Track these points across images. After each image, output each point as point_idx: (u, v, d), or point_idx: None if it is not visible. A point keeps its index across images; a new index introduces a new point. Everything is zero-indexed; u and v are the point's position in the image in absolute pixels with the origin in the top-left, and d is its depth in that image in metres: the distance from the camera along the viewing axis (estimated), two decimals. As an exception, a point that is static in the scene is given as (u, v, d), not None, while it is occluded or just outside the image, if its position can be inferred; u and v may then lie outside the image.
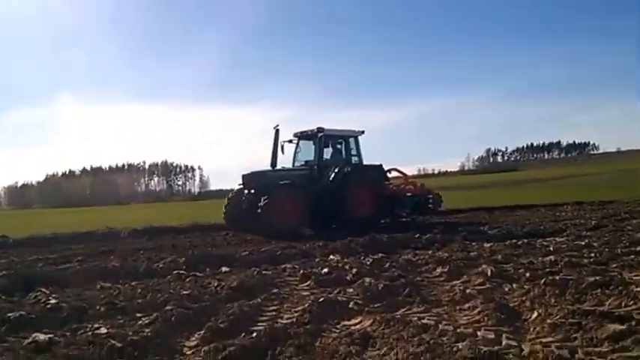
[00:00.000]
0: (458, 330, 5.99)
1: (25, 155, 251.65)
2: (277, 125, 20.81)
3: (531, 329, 6.04)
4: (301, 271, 10.22)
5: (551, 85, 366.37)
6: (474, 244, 13.85)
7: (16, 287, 9.66)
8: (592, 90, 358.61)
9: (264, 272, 10.34)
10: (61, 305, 7.96)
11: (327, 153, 22.01)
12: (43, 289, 9.38)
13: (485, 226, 19.26)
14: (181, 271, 10.83)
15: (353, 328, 6.64)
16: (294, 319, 6.98)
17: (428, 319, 6.56)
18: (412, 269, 10.28)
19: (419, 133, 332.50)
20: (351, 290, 8.47)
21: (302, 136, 22.25)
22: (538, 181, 76.71)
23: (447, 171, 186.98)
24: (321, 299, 7.59)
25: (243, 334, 6.36)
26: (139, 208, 64.80)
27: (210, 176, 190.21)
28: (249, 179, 20.54)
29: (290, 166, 22.31)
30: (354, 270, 9.98)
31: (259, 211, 18.39)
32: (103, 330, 6.62)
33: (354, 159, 21.96)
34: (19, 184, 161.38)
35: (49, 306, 7.95)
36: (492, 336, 5.68)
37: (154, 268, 11.43)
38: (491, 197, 38.32)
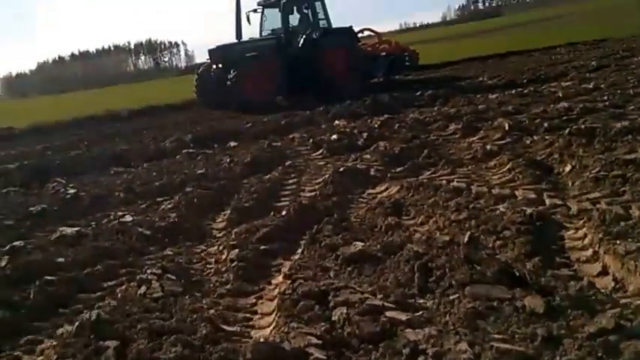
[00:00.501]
0: (493, 191, 5.59)
1: (16, 46, 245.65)
2: None
3: (570, 184, 5.61)
4: (311, 140, 9.80)
5: None
6: (478, 96, 13.19)
7: (31, 178, 9.31)
8: None
9: (273, 144, 9.87)
10: (81, 194, 7.60)
11: (294, 20, 20.11)
12: (59, 179, 8.97)
13: (484, 76, 18.31)
14: (190, 150, 10.38)
15: (380, 196, 6.28)
16: (317, 192, 6.60)
17: (457, 181, 6.17)
18: (422, 128, 9.78)
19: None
20: (367, 156, 8.07)
21: (266, 4, 20.35)
22: (522, 24, 73.71)
23: (428, 23, 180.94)
24: (341, 169, 7.17)
25: (271, 212, 5.99)
26: (131, 88, 63.43)
27: (195, 50, 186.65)
28: (216, 54, 19.02)
29: (258, 36, 20.75)
30: (365, 134, 9.48)
31: (228, 85, 17.32)
32: (128, 218, 6.24)
33: (322, 23, 20.04)
34: (14, 75, 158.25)
35: (68, 196, 7.57)
36: (533, 195, 5.28)
37: (162, 148, 10.99)
38: (479, 46, 36.26)
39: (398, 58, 22.03)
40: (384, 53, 21.90)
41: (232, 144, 10.74)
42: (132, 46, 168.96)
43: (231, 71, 17.33)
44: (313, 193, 6.64)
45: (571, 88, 12.01)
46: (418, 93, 14.65)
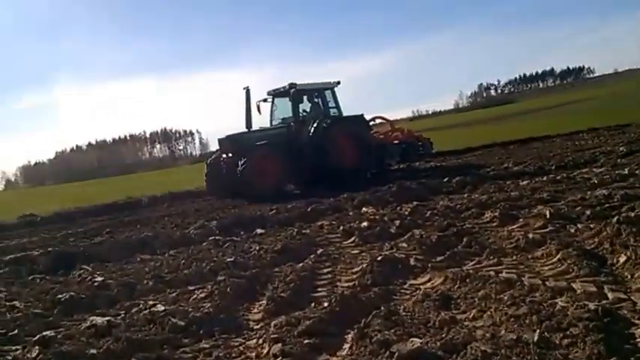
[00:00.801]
0: (547, 283, 5.28)
1: (35, 137, 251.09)
2: (247, 86, 19.10)
3: (629, 276, 5.29)
4: (340, 227, 9.60)
5: (539, 11, 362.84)
6: (507, 182, 13.03)
7: (57, 265, 9.19)
8: (585, 11, 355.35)
9: (303, 232, 9.66)
10: (108, 282, 7.41)
11: (305, 107, 20.23)
12: (85, 266, 8.85)
13: (508, 162, 18.10)
14: (217, 237, 10.19)
15: (424, 287, 5.99)
16: (356, 282, 6.32)
17: (507, 273, 5.87)
18: (456, 216, 9.55)
19: (408, 76, 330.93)
20: (404, 245, 7.84)
21: (276, 93, 20.50)
22: (536, 110, 73.92)
23: (440, 110, 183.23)
24: (379, 258, 6.90)
25: (310, 303, 5.72)
26: (148, 176, 64.04)
27: (209, 138, 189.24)
28: (225, 143, 19.08)
29: (268, 125, 20.87)
30: (397, 222, 9.25)
31: (238, 175, 17.20)
32: (160, 307, 5.97)
33: (333, 111, 20.24)
34: (33, 163, 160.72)
35: (96, 284, 7.40)
36: (593, 288, 4.95)
37: (187, 235, 10.79)
38: (495, 132, 36.43)
39: (411, 146, 22.15)
40: (396, 141, 22.01)
41: (259, 231, 10.52)
42: (147, 135, 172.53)
43: (241, 160, 17.27)
44: (351, 283, 6.36)
45: (605, 175, 11.75)
46: (445, 179, 14.48)
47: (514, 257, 6.68)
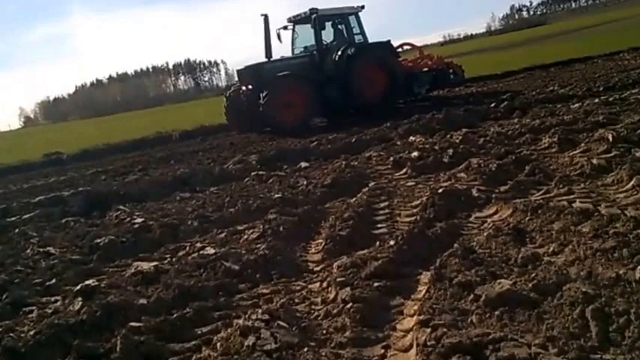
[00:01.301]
0: (627, 212, 4.92)
1: (51, 71, 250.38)
2: (265, 13, 18.56)
3: None
4: (390, 158, 9.30)
5: None
6: (558, 105, 12.58)
7: (91, 206, 9.03)
8: None
9: (351, 164, 9.37)
10: (149, 224, 7.23)
11: (328, 36, 19.37)
12: (122, 207, 8.67)
13: (553, 85, 17.56)
14: (259, 172, 9.98)
15: (492, 220, 5.67)
16: (418, 217, 6.02)
17: (580, 202, 5.50)
18: (510, 143, 9.21)
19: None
20: (462, 175, 7.52)
21: (296, 20, 19.54)
22: (571, 31, 71.90)
23: (472, 34, 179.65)
24: (440, 190, 6.60)
25: (372, 241, 5.45)
26: (175, 109, 63.90)
27: (234, 69, 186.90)
28: (245, 74, 18.52)
29: (290, 54, 19.96)
30: (450, 151, 8.86)
31: (260, 108, 16.70)
32: (210, 250, 5.78)
33: (358, 38, 19.36)
34: (52, 99, 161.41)
35: (136, 226, 7.24)
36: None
37: (227, 170, 10.61)
38: (531, 54, 35.50)
39: (441, 73, 21.08)
40: (426, 69, 21.07)
41: (303, 164, 10.28)
42: (171, 67, 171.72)
43: (263, 92, 16.78)
44: (413, 218, 6.07)
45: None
46: (492, 105, 14.12)
47: (583, 185, 6.34)
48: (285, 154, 11.35)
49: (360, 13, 19.61)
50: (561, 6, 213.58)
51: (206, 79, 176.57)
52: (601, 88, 14.36)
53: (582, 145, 8.05)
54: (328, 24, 19.32)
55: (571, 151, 7.93)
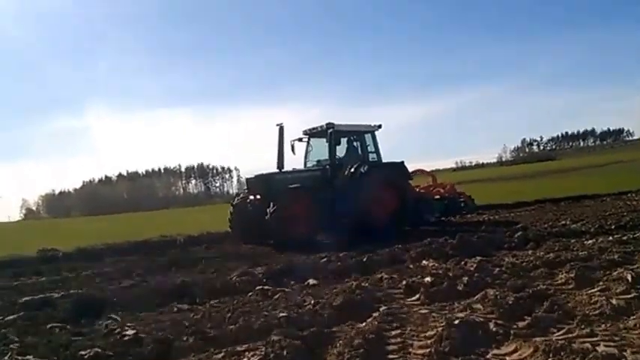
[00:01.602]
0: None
1: (61, 164, 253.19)
2: (281, 123, 18.58)
3: None
4: (403, 282, 8.97)
5: (582, 72, 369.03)
6: (572, 240, 12.64)
7: (80, 312, 8.58)
8: (623, 76, 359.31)
9: (362, 285, 8.96)
10: (141, 337, 6.86)
11: (342, 151, 19.59)
12: (113, 315, 8.30)
13: (565, 219, 17.68)
14: (264, 286, 9.61)
15: (512, 358, 5.32)
16: (432, 349, 5.64)
17: (604, 346, 5.24)
18: (525, 275, 9.12)
19: (453, 126, 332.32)
20: (479, 307, 7.23)
21: (312, 133, 19.88)
22: (579, 168, 74.25)
23: (483, 163, 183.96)
24: (456, 321, 6.21)
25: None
26: (183, 213, 63.88)
27: (245, 177, 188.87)
28: (255, 184, 18.43)
29: (301, 167, 20.24)
30: (464, 279, 8.62)
31: (267, 219, 16.44)
32: (207, 373, 5.35)
33: (372, 157, 19.72)
34: (57, 192, 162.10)
35: (126, 338, 6.84)
36: None
37: (230, 282, 10.23)
38: (541, 187, 36.64)
39: (452, 202, 21.37)
40: (437, 196, 21.30)
41: (311, 282, 9.91)
42: (183, 170, 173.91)
43: (271, 203, 16.57)
44: (426, 350, 5.69)
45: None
46: (507, 234, 14.07)
47: (604, 326, 6.12)
48: (293, 269, 11.04)
49: (376, 132, 19.98)
50: (570, 144, 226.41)
51: (217, 184, 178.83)
52: (613, 227, 14.51)
53: (600, 283, 7.94)
54: (343, 140, 19.59)
55: (589, 289, 7.77)
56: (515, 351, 5.55)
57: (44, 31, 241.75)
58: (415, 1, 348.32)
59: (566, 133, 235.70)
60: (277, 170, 18.64)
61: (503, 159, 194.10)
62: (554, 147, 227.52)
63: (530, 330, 6.10)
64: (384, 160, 19.76)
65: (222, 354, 6.12)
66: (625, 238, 12.01)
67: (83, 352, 6.19)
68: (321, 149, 19.56)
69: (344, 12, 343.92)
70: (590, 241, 12.07)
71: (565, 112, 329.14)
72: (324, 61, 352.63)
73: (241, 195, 19.51)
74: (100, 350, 6.25)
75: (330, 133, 18.45)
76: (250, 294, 9.24)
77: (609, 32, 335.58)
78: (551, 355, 5.06)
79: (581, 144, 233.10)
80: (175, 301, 9.06)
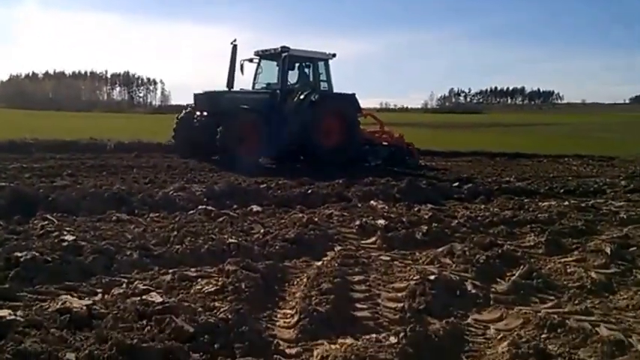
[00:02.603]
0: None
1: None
2: (234, 40, 17.68)
3: None
4: (357, 222, 8.31)
5: (526, 29, 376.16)
6: (525, 199, 11.97)
7: (13, 208, 7.57)
8: (566, 39, 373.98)
9: (314, 220, 8.22)
10: (81, 244, 5.96)
11: (293, 77, 18.78)
12: (49, 216, 7.31)
13: (510, 176, 16.72)
14: (207, 207, 8.75)
15: (497, 328, 4.70)
16: (406, 305, 4.99)
17: (607, 329, 4.59)
18: (485, 231, 8.37)
19: (385, 66, 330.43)
20: (446, 261, 6.60)
21: (264, 55, 18.82)
22: (506, 125, 73.26)
23: (408, 107, 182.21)
24: (431, 277, 5.56)
25: (358, 327, 4.44)
26: (107, 117, 61.72)
27: (171, 91, 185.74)
28: (203, 100, 17.43)
29: (249, 88, 19.20)
30: (423, 227, 7.97)
31: (218, 137, 15.66)
32: (156, 297, 4.53)
33: (323, 85, 18.71)
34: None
35: (65, 244, 5.91)
36: None
37: (170, 197, 9.32)
38: (470, 139, 35.95)
39: (399, 151, 20.33)
40: (385, 143, 20.49)
41: (255, 208, 9.08)
42: (109, 76, 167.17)
43: (222, 122, 15.80)
44: (399, 305, 5.03)
45: (629, 210, 10.79)
46: (455, 184, 13.38)
47: (591, 303, 5.43)
48: (234, 191, 10.16)
49: (330, 61, 18.97)
50: (498, 100, 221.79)
51: (141, 94, 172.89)
52: (561, 190, 13.83)
53: (576, 253, 7.30)
54: (296, 65, 18.73)
55: (562, 257, 7.11)
56: (500, 319, 4.92)
57: None
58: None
59: (495, 88, 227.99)
60: (227, 89, 17.82)
61: (429, 106, 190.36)
62: (481, 100, 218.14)
63: (511, 297, 5.51)
64: (335, 91, 18.98)
65: (170, 275, 5.30)
66: (583, 205, 11.28)
67: (19, 254, 5.24)
68: (271, 72, 18.70)
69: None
70: (544, 204, 11.44)
71: (497, 68, 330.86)
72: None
73: (188, 109, 18.40)
74: (37, 254, 5.30)
75: (285, 57, 17.56)
76: (192, 212, 8.41)
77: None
78: (546, 331, 4.45)
79: (509, 101, 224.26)
80: (113, 209, 8.12)
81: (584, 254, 7.11)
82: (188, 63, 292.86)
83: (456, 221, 8.80)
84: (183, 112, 18.52)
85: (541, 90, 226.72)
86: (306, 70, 18.94)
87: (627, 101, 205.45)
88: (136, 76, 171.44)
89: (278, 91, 17.88)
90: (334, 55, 18.95)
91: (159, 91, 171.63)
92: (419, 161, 21.00)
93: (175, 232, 6.85)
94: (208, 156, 16.64)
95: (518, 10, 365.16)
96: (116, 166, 14.31)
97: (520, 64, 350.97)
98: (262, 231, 7.32)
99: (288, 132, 16.79)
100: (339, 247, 7.00)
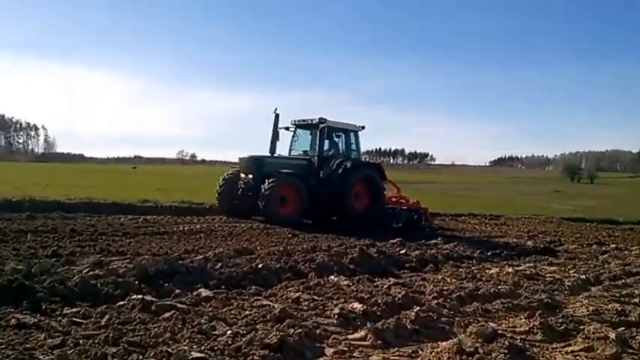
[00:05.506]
0: None
1: None
2: (276, 109, 18.66)
3: None
4: (334, 310, 6.09)
5: (403, 95, 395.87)
6: (472, 268, 10.73)
7: None
8: (438, 105, 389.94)
9: (290, 313, 5.84)
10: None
11: (325, 145, 18.97)
12: None
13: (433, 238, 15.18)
14: (144, 295, 6.12)
15: None
16: None
17: None
18: (465, 312, 6.82)
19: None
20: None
21: (300, 124, 19.55)
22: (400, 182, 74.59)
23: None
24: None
25: None
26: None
27: (56, 137, 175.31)
28: (248, 164, 18.09)
29: (285, 154, 19.65)
30: (412, 314, 6.04)
31: (260, 197, 16.39)
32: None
33: (353, 154, 19.43)
34: None
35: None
36: None
37: (87, 279, 6.54)
38: None
39: (418, 215, 20.35)
40: (405, 207, 20.52)
41: (203, 293, 6.59)
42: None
43: (266, 182, 16.56)
44: None
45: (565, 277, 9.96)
46: (402, 251, 11.54)
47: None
48: (169, 268, 7.26)
49: (359, 132, 19.94)
50: (382, 159, 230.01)
51: (21, 140, 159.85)
52: (489, 253, 12.76)
53: (578, 339, 5.87)
54: (332, 135, 19.51)
55: (565, 345, 5.76)
56: None
57: None
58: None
59: (380, 148, 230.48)
60: (269, 154, 18.67)
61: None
62: (367, 159, 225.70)
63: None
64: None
65: None
66: (527, 272, 10.12)
67: None
68: (306, 140, 19.72)
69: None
70: (491, 271, 10.29)
71: (382, 129, 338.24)
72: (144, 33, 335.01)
73: (232, 172, 19.03)
74: None
75: (323, 128, 18.25)
76: (123, 304, 5.78)
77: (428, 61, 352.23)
78: None
79: (392, 160, 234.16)
80: (10, 306, 5.44)
81: (589, 342, 5.74)
82: (75, 108, 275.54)
83: (435, 301, 7.08)
84: (227, 174, 19.05)
85: (418, 152, 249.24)
86: (336, 139, 19.60)
87: (488, 164, 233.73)
88: (14, 119, 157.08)
89: (315, 158, 18.57)
90: (364, 127, 19.97)
91: (41, 138, 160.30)
92: (431, 224, 20.77)
93: (110, 347, 4.33)
94: (250, 215, 17.44)
95: (393, 74, 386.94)
96: (4, 230, 11.10)
97: (400, 127, 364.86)
98: (229, 332, 4.91)
99: (325, 195, 17.48)
100: (331, 350, 4.92)
